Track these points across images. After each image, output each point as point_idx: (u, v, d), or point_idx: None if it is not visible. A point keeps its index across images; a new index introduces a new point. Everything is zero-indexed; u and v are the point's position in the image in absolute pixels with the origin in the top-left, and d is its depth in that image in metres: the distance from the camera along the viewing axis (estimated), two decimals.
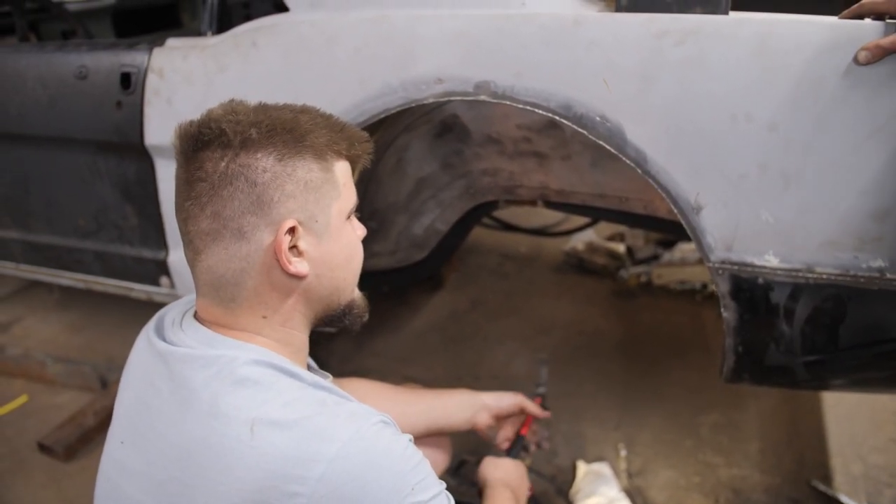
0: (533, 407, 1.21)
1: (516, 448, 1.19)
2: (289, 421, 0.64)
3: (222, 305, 0.72)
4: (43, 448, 1.64)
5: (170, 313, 0.79)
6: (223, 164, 0.68)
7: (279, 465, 0.62)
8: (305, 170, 0.70)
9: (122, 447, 0.72)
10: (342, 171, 0.75)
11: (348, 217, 0.77)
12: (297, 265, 0.71)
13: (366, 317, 0.83)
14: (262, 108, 0.72)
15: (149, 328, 0.78)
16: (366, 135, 0.78)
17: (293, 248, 0.71)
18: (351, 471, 0.62)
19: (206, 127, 0.69)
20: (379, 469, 0.64)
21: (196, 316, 0.76)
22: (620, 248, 2.43)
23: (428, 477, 0.68)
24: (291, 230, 0.69)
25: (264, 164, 0.68)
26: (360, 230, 0.81)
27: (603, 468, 1.49)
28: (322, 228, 0.72)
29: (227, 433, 0.64)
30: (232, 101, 0.74)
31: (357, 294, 0.81)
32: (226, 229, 0.69)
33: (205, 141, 0.68)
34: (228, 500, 0.63)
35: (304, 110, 0.74)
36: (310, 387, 0.70)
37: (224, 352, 0.69)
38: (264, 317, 0.73)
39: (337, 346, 2.04)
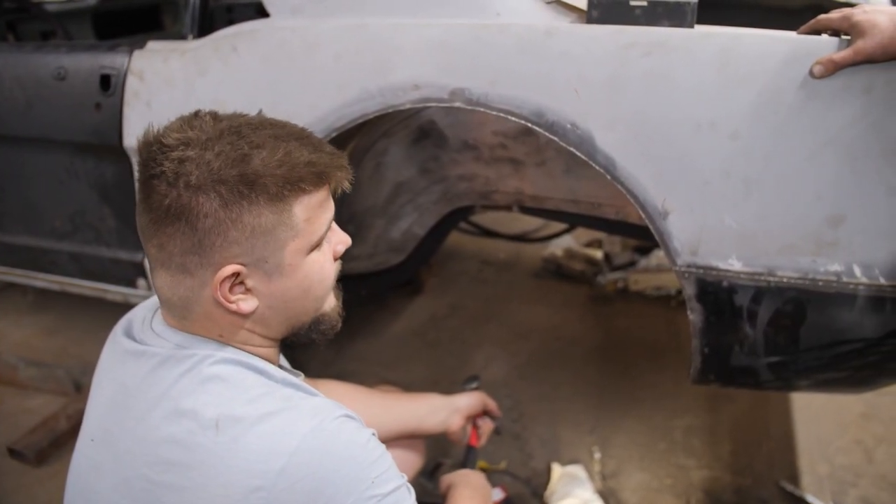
0: (491, 403, 1.24)
1: (470, 459, 1.20)
2: (252, 417, 0.64)
3: (178, 319, 0.72)
4: (13, 453, 1.61)
5: (138, 313, 0.79)
6: (167, 201, 0.65)
7: (242, 459, 0.63)
8: (254, 215, 0.65)
9: (92, 445, 0.73)
10: (305, 207, 0.68)
11: (311, 250, 0.70)
12: (242, 303, 0.68)
13: (338, 326, 0.79)
14: (217, 137, 0.65)
15: (117, 330, 0.78)
16: (340, 161, 0.70)
17: (240, 283, 0.68)
18: (311, 463, 0.63)
19: (152, 159, 0.65)
20: (338, 461, 0.64)
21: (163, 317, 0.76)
22: (598, 254, 2.46)
23: (389, 470, 0.69)
24: (235, 274, 0.66)
25: (206, 208, 0.64)
26: (340, 244, 0.75)
27: (577, 470, 1.51)
28: (273, 268, 0.68)
29: (194, 429, 0.64)
30: (196, 116, 0.68)
31: (328, 307, 0.77)
32: (170, 261, 0.68)
33: (152, 173, 0.65)
34: (194, 494, 0.63)
35: (264, 143, 0.65)
36: (278, 384, 0.70)
37: (195, 351, 0.69)
38: (220, 335, 0.71)
39: (317, 350, 2.04)
